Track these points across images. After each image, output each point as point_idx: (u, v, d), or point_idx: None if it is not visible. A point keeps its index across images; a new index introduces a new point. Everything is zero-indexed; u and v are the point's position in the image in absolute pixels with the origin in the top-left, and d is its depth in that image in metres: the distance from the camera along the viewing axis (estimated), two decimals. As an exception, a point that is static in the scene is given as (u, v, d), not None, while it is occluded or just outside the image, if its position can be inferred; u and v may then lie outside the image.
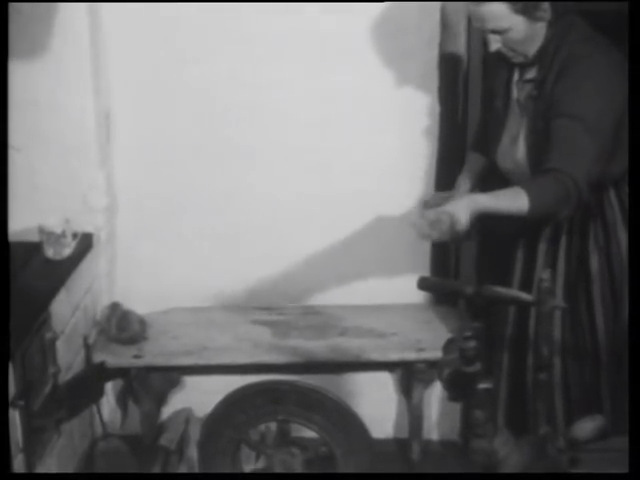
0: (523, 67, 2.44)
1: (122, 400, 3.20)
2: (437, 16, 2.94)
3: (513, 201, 2.30)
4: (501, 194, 2.36)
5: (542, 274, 2.06)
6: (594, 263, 2.42)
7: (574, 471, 2.14)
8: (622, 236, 2.39)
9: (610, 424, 2.38)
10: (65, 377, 2.69)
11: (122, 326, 3.01)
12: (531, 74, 2.41)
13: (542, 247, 2.47)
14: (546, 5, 2.31)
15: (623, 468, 1.81)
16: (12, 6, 2.18)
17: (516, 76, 2.47)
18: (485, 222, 2.50)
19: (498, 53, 2.38)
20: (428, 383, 3.04)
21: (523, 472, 2.07)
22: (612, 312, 2.41)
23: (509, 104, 2.48)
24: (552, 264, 2.44)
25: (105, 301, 3.11)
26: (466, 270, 3.10)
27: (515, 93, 2.48)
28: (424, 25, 2.94)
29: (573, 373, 2.45)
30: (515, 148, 2.46)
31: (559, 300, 2.39)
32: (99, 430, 3.01)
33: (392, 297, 3.19)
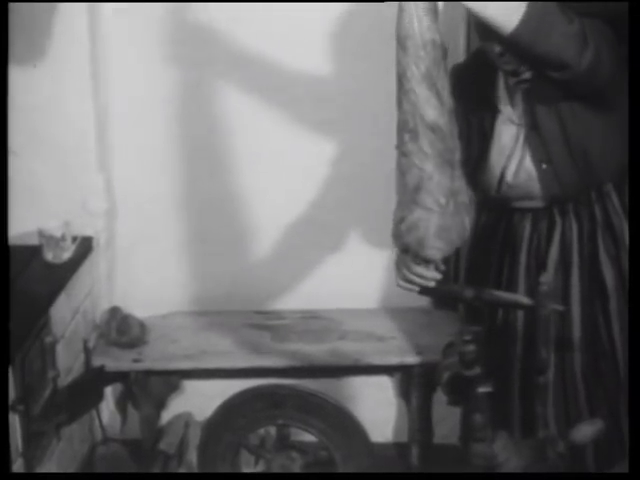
0: (515, 72, 2.35)
1: (121, 404, 3.20)
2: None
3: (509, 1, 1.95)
4: None
5: (541, 277, 2.05)
6: (609, 277, 2.33)
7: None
8: None
9: (626, 432, 2.36)
10: (65, 381, 2.69)
11: (122, 330, 3.01)
12: (527, 75, 2.33)
13: (552, 258, 2.41)
14: None
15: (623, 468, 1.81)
16: (12, 9, 2.18)
17: (501, 82, 2.34)
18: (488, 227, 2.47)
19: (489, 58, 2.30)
20: (427, 387, 3.04)
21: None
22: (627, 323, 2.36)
23: (496, 114, 2.34)
24: (565, 276, 2.38)
25: (105, 305, 3.12)
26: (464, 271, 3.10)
27: (505, 99, 2.34)
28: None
29: (591, 380, 2.41)
30: (511, 162, 2.33)
31: (575, 304, 2.33)
32: (98, 434, 3.01)
33: (391, 301, 3.19)
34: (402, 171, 2.09)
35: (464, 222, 2.13)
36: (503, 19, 1.96)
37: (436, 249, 2.12)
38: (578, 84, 2.10)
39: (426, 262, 2.16)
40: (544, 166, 2.28)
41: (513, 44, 2.02)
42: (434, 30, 1.97)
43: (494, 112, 2.34)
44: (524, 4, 1.96)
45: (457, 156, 2.08)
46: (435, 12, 1.98)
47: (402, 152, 2.07)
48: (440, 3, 2.01)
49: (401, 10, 1.99)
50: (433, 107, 2.00)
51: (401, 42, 2.00)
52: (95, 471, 2.92)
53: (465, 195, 2.13)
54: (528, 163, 2.30)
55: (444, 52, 2.02)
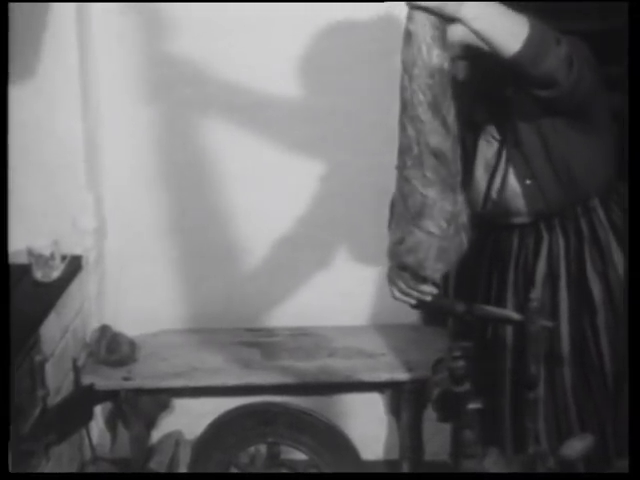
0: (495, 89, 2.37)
1: (111, 423, 3.19)
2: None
3: (513, 22, 1.99)
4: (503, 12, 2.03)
5: (531, 293, 2.05)
6: (596, 292, 2.32)
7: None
8: (617, 258, 2.32)
9: (613, 448, 2.37)
10: (54, 400, 2.67)
11: (112, 348, 3.00)
12: (507, 91, 2.34)
13: (540, 273, 2.41)
14: None
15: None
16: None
17: (481, 98, 2.32)
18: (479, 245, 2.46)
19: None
20: (418, 403, 3.04)
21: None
22: (615, 339, 2.37)
23: (477, 131, 2.34)
24: (552, 291, 2.38)
25: (95, 323, 3.11)
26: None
27: (485, 115, 2.33)
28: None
29: (581, 394, 2.42)
30: (495, 178, 2.32)
31: (564, 319, 2.34)
32: (88, 454, 2.99)
33: (381, 318, 3.19)
34: (403, 195, 2.07)
35: (462, 240, 2.13)
36: (507, 42, 2.00)
37: (435, 270, 2.12)
38: (561, 101, 2.12)
39: (424, 280, 2.16)
40: (528, 182, 2.29)
41: (513, 66, 2.03)
42: (443, 57, 1.94)
43: (475, 129, 2.36)
44: (527, 28, 1.99)
45: (459, 179, 2.08)
46: (443, 39, 1.94)
47: (404, 176, 2.06)
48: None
49: (408, 36, 1.94)
50: (438, 134, 1.98)
51: (408, 69, 1.96)
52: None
53: (465, 215, 2.13)
54: (512, 179, 2.30)
55: (451, 77, 2.01)
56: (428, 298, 2.21)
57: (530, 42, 2.00)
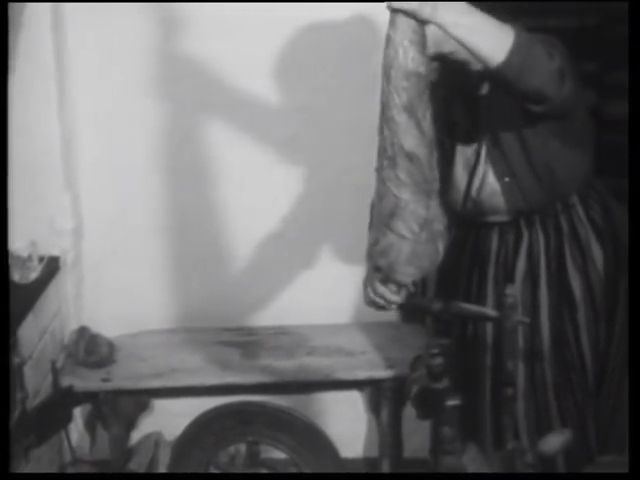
0: (473, 89, 2.35)
1: (91, 425, 3.18)
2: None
3: (496, 32, 1.96)
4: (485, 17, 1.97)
5: (507, 289, 2.06)
6: (576, 288, 2.34)
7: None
8: (597, 255, 2.34)
9: (594, 445, 2.38)
10: (33, 402, 2.66)
11: (90, 350, 2.99)
12: (485, 90, 2.36)
13: (519, 270, 2.42)
14: None
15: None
16: None
17: (460, 97, 2.35)
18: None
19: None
20: (397, 401, 3.05)
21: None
22: (595, 335, 2.39)
23: (457, 130, 2.36)
24: (533, 288, 2.40)
25: (73, 325, 3.09)
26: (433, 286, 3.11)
27: (464, 115, 2.35)
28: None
29: (561, 390, 2.43)
30: (474, 177, 2.34)
31: (544, 315, 2.36)
32: (67, 456, 2.98)
33: (360, 316, 3.20)
34: (379, 196, 2.09)
35: (437, 248, 2.14)
36: (491, 52, 1.97)
37: (406, 274, 2.13)
38: (550, 115, 2.12)
39: (398, 286, 2.18)
40: (506, 179, 2.30)
41: (499, 77, 2.02)
42: (419, 62, 1.95)
43: (455, 128, 2.36)
44: (511, 37, 1.96)
45: (435, 186, 2.09)
46: (422, 44, 1.94)
47: (380, 177, 2.08)
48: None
49: (387, 40, 1.96)
50: (413, 137, 1.99)
51: (386, 71, 1.97)
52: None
53: (440, 223, 2.14)
54: (491, 178, 2.32)
55: (428, 82, 2.01)
56: (392, 307, 2.23)
57: (515, 52, 1.96)
